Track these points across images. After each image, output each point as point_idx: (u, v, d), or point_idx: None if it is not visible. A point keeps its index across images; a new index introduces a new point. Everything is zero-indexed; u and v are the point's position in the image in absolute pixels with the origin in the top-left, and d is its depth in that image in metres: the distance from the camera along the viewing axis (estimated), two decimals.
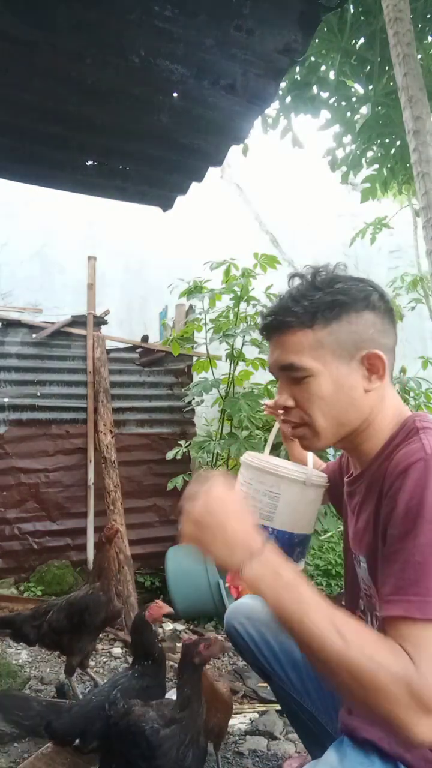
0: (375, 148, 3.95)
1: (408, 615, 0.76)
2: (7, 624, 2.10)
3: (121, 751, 1.32)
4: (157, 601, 1.74)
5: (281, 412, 1.02)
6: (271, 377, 3.83)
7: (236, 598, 2.96)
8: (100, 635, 2.96)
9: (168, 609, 1.67)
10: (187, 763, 1.25)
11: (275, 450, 2.03)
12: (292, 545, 1.22)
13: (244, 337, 3.51)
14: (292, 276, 1.01)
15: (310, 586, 0.79)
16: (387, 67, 3.43)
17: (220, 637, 1.45)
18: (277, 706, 2.11)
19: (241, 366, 3.72)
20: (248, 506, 0.88)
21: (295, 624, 0.77)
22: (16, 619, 2.08)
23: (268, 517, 1.21)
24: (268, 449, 1.47)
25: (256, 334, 3.57)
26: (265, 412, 1.51)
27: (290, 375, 0.97)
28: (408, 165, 3.64)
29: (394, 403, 1.01)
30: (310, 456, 1.27)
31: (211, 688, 1.63)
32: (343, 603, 1.17)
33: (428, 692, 0.70)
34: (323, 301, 0.95)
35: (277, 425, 1.48)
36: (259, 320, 1.05)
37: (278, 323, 0.97)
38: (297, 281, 1.00)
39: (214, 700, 1.61)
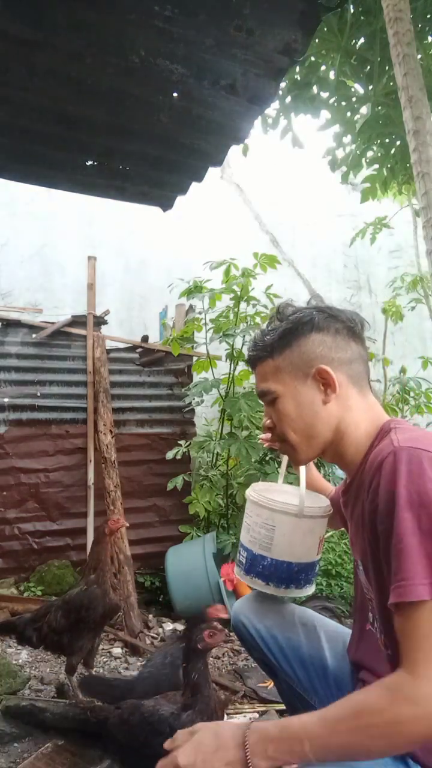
0: (375, 148, 3.94)
1: (400, 600, 0.79)
2: (10, 629, 2.10)
3: (137, 745, 1.33)
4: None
5: (269, 434, 1.16)
6: None
7: (232, 591, 2.97)
8: (101, 634, 2.98)
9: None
10: None
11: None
12: (291, 573, 1.27)
13: (244, 336, 3.51)
14: (270, 316, 1.19)
15: (299, 722, 0.83)
16: (387, 67, 3.42)
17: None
18: (278, 706, 2.11)
19: (241, 366, 3.72)
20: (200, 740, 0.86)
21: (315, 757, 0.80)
22: (18, 623, 2.08)
23: (267, 548, 1.28)
24: (281, 479, 1.55)
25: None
26: (265, 446, 1.58)
27: (265, 399, 1.11)
28: (408, 165, 3.64)
29: (370, 413, 1.07)
30: (302, 486, 1.32)
31: None
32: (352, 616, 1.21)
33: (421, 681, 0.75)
34: (278, 332, 1.09)
35: (286, 458, 1.52)
36: (251, 339, 1.21)
37: (251, 358, 1.15)
38: (264, 326, 1.17)
39: None
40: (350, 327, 1.08)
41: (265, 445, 1.55)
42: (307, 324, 1.07)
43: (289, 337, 1.07)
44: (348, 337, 1.08)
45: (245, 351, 1.23)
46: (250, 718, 0.90)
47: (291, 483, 1.63)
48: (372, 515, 0.90)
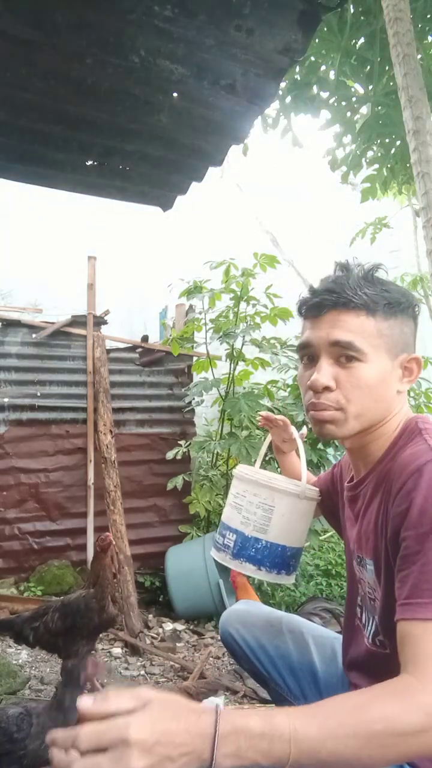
0: (375, 148, 3.95)
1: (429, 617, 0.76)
2: (8, 627, 2.09)
3: None
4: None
5: (318, 391, 0.97)
6: (271, 377, 3.84)
7: (234, 591, 2.96)
8: (100, 635, 2.98)
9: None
10: None
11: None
12: (285, 558, 1.22)
13: (244, 336, 3.51)
14: (339, 265, 1.03)
15: (287, 719, 0.69)
16: (387, 67, 3.43)
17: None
18: None
19: (241, 366, 3.72)
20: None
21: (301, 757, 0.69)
22: (16, 621, 2.07)
23: (262, 530, 1.21)
24: (258, 462, 1.46)
25: (256, 334, 3.57)
26: (260, 424, 1.51)
27: (342, 353, 0.95)
28: (408, 165, 3.64)
29: (405, 408, 1.04)
30: (304, 469, 1.28)
31: None
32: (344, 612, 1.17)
33: None
34: (385, 296, 0.96)
35: (268, 438, 1.48)
36: (306, 294, 1.02)
37: (345, 300, 0.95)
38: (344, 272, 1.01)
39: None
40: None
41: (261, 424, 1.51)
42: (413, 308, 1.01)
43: (396, 309, 0.97)
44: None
45: (306, 294, 1.02)
46: (217, 704, 0.68)
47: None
48: (397, 520, 0.87)
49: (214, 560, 3.14)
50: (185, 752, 0.63)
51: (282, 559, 1.22)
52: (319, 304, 0.97)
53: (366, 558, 1.03)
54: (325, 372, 0.95)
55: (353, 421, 0.96)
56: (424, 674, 0.73)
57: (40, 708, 1.36)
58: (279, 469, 1.60)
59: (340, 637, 1.24)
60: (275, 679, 1.32)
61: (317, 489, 1.29)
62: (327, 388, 0.95)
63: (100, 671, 1.43)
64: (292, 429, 1.41)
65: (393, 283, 1.02)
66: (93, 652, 2.10)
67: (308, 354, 1.01)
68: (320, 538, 3.48)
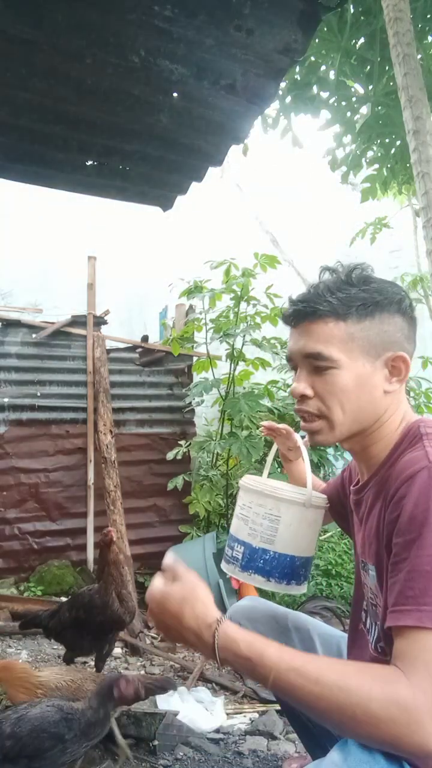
0: (375, 148, 3.95)
1: (421, 625, 0.76)
2: (35, 623, 2.13)
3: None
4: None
5: (297, 400, 1.01)
6: (271, 377, 3.84)
7: (236, 590, 2.97)
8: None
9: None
10: None
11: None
12: (294, 568, 1.21)
13: (244, 336, 3.51)
14: (324, 269, 1.02)
15: (273, 646, 0.82)
16: (387, 67, 3.42)
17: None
18: (277, 706, 2.11)
19: (241, 366, 3.72)
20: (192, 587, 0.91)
21: (270, 683, 0.79)
22: (42, 617, 2.10)
23: (270, 541, 1.20)
24: (266, 471, 1.46)
25: (256, 334, 3.57)
26: (262, 434, 1.49)
27: (314, 364, 0.96)
28: (408, 165, 3.64)
29: (404, 409, 1.02)
30: (309, 476, 1.26)
31: None
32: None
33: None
34: (359, 296, 0.95)
35: (274, 448, 1.47)
36: (285, 305, 1.03)
37: (311, 310, 0.96)
38: (330, 275, 1.00)
39: None
40: (416, 321, 1.02)
41: (264, 434, 1.51)
42: (396, 303, 0.97)
43: (374, 308, 0.95)
44: (415, 330, 1.01)
45: (285, 305, 1.04)
46: (217, 619, 0.86)
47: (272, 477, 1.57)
48: (390, 527, 0.87)
49: (214, 560, 3.15)
50: (198, 639, 0.84)
51: (291, 569, 1.21)
52: (291, 315, 1.00)
53: (369, 563, 1.02)
54: (302, 381, 0.98)
55: (339, 428, 0.97)
56: (412, 673, 0.74)
57: (77, 712, 1.40)
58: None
59: (346, 636, 1.24)
60: None
61: (324, 496, 1.28)
62: (304, 396, 0.98)
63: (132, 690, 1.45)
64: (296, 437, 1.40)
65: (378, 279, 0.99)
66: (106, 653, 2.11)
67: (292, 365, 1.04)
68: (320, 538, 3.48)
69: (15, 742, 1.31)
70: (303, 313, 0.97)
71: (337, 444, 1.07)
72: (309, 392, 0.97)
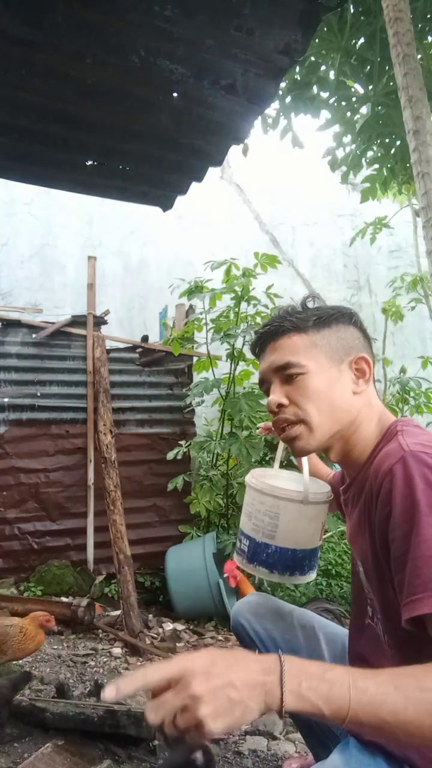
0: (375, 148, 3.94)
1: None
2: None
3: None
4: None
5: (275, 410, 1.06)
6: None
7: (234, 588, 2.97)
8: (100, 635, 2.98)
9: None
10: None
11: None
12: (296, 560, 1.25)
13: (244, 336, 3.51)
14: (276, 309, 1.15)
15: (343, 668, 0.72)
16: (387, 67, 3.42)
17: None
18: None
19: (241, 366, 3.72)
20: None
21: (349, 701, 0.69)
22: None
23: (270, 536, 1.25)
24: (277, 463, 1.50)
25: None
26: (260, 433, 1.54)
27: (284, 374, 1.04)
28: (408, 165, 3.64)
29: (379, 411, 1.06)
30: (306, 473, 1.29)
31: None
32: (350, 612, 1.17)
33: None
34: (315, 313, 1.06)
35: (282, 445, 1.48)
36: (251, 338, 1.13)
37: (274, 329, 1.06)
38: (286, 307, 1.12)
39: None
40: (369, 339, 1.12)
41: (262, 434, 1.54)
42: (347, 316, 1.08)
43: (329, 320, 1.06)
44: (371, 345, 1.12)
45: (251, 337, 1.16)
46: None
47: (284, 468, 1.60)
48: (384, 522, 0.88)
49: (214, 560, 3.15)
50: (249, 682, 0.67)
51: (293, 561, 1.25)
52: (257, 341, 1.11)
53: (357, 560, 1.06)
54: (276, 392, 1.05)
55: (318, 429, 1.02)
56: None
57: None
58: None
59: None
60: None
61: (327, 489, 1.31)
62: (281, 405, 1.04)
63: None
64: None
65: (326, 305, 1.11)
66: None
67: (265, 388, 1.11)
68: None
69: None
70: (267, 334, 1.08)
71: (322, 453, 1.10)
72: (284, 400, 1.04)
